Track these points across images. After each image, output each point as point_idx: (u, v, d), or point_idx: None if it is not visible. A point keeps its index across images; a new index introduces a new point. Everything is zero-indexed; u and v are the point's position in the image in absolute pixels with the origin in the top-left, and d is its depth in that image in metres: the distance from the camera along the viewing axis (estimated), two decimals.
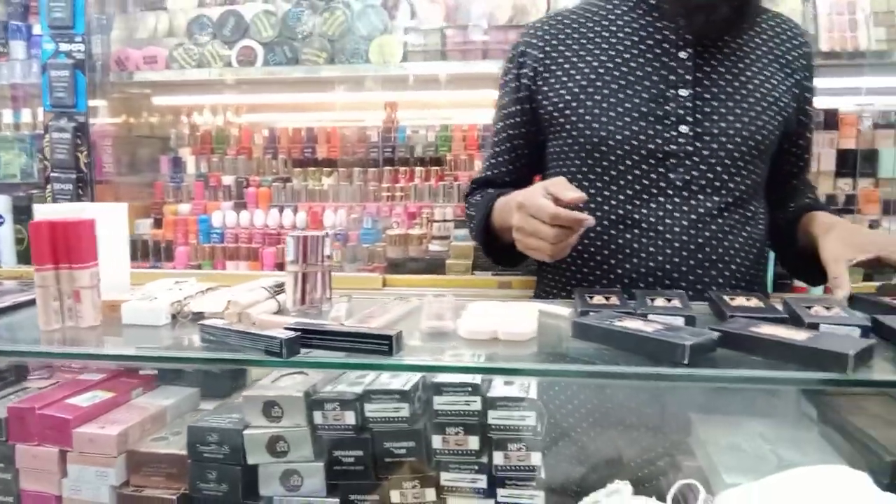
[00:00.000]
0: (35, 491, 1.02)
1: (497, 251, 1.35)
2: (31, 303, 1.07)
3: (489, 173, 1.39)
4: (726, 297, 1.07)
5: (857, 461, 0.88)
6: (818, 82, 2.04)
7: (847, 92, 2.00)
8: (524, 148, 1.35)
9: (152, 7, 2.25)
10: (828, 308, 1.00)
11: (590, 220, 1.02)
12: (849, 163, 1.97)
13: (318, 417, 0.92)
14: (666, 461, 1.00)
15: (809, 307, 0.99)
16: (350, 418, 0.91)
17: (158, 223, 2.34)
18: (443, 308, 1.06)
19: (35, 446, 1.02)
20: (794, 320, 0.96)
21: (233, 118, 2.46)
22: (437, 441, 0.89)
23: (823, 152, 1.98)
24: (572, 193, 1.01)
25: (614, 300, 1.06)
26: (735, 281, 1.23)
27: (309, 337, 0.87)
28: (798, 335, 0.83)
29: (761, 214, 1.28)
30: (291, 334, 0.85)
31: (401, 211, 2.15)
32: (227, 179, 2.33)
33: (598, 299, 1.07)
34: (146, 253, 2.28)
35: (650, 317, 0.95)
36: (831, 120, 2.00)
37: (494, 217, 1.28)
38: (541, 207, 1.00)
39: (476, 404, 0.88)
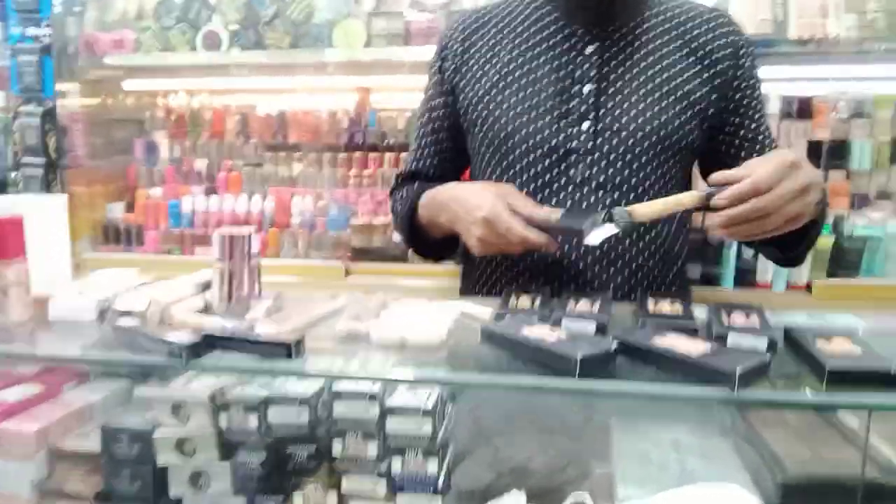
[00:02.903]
0: None
1: (423, 245, 1.35)
2: None
3: (414, 167, 1.38)
4: (650, 301, 1.06)
5: (761, 476, 0.88)
6: (789, 70, 2.01)
7: (818, 81, 1.95)
8: (448, 142, 1.35)
9: None
10: (748, 315, 0.99)
11: (554, 245, 1.08)
12: (821, 154, 1.93)
13: (223, 420, 0.93)
14: (579, 469, 1.00)
15: (730, 313, 0.99)
16: (253, 422, 0.92)
17: (130, 207, 2.35)
18: (364, 309, 1.07)
19: None
20: (709, 328, 0.95)
21: (207, 100, 2.45)
22: (336, 447, 0.90)
23: (796, 143, 1.94)
24: (539, 212, 1.06)
25: (538, 302, 1.06)
26: (638, 278, 1.22)
27: (213, 341, 0.88)
28: (696, 348, 0.82)
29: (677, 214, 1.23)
30: (194, 339, 0.86)
31: (368, 198, 2.14)
32: (200, 164, 2.34)
33: (524, 300, 1.07)
34: (118, 237, 2.30)
35: (564, 322, 0.95)
36: (805, 109, 1.95)
37: (421, 213, 1.28)
38: (511, 229, 1.04)
39: (374, 411, 0.88)
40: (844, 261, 1.81)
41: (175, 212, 2.27)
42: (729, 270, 1.85)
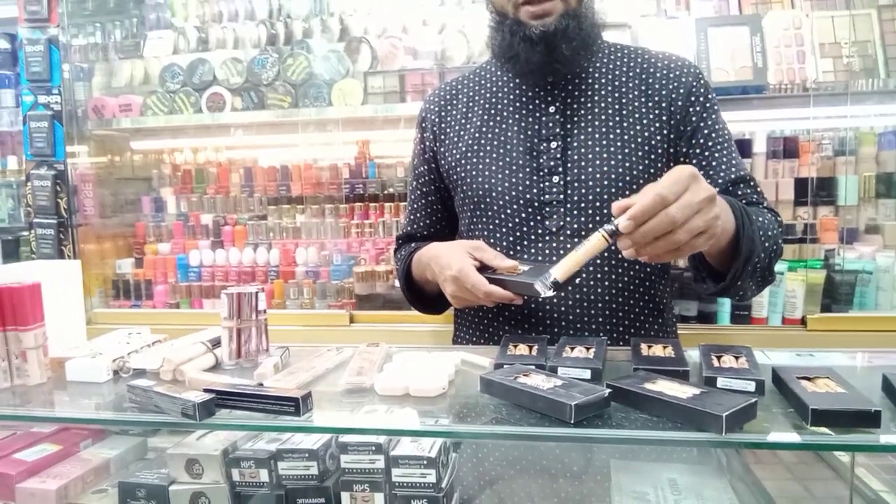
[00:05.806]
0: None
1: (421, 300, 1.44)
2: None
3: (409, 229, 1.50)
4: (643, 346, 1.10)
5: None
6: (774, 112, 2.08)
7: (802, 120, 2.01)
8: (437, 203, 1.46)
9: (129, 55, 2.35)
10: (737, 357, 1.03)
11: (518, 300, 1.14)
12: (808, 191, 1.98)
13: (235, 475, 0.97)
14: None
15: (720, 355, 1.02)
16: (264, 476, 0.96)
17: (139, 263, 2.41)
18: (368, 361, 1.11)
19: None
20: (700, 371, 0.99)
21: (212, 156, 2.53)
22: (345, 498, 0.93)
23: (784, 181, 2.00)
24: (505, 262, 1.15)
25: (535, 350, 1.10)
26: (617, 320, 1.27)
27: (224, 398, 0.92)
28: (685, 392, 0.86)
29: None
30: (205, 397, 0.90)
31: (370, 247, 2.20)
32: (206, 218, 2.40)
33: (522, 348, 1.11)
34: (127, 292, 2.35)
35: (560, 370, 0.99)
36: (791, 148, 2.02)
37: (414, 272, 1.38)
38: (476, 285, 1.12)
39: (380, 462, 0.92)
40: (837, 294, 1.85)
41: (183, 266, 2.33)
42: (725, 308, 1.89)
